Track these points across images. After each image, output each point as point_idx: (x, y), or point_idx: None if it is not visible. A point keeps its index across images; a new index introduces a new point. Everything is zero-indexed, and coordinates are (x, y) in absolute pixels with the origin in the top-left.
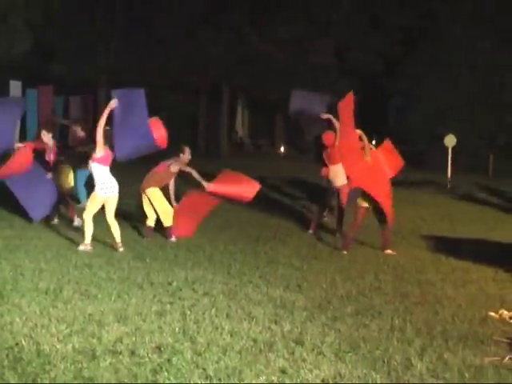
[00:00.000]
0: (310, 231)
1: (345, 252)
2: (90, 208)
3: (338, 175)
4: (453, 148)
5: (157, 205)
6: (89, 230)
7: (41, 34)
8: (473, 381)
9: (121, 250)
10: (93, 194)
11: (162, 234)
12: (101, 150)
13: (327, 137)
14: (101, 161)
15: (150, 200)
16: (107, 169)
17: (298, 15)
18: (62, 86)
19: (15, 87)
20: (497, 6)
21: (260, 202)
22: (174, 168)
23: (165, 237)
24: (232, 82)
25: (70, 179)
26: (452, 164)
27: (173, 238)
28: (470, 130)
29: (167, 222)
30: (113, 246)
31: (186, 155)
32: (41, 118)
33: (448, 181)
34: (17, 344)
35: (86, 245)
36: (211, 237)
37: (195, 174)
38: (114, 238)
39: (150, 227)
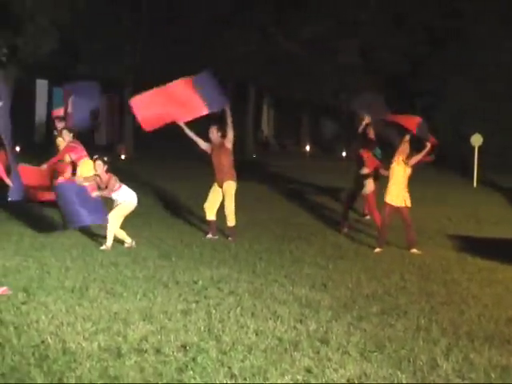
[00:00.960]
0: (345, 230)
1: (378, 250)
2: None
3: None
4: (479, 147)
5: (228, 200)
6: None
7: (67, 34)
8: (499, 381)
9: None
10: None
11: (189, 232)
12: None
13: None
14: None
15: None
16: None
17: (324, 15)
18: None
19: (42, 86)
20: None
21: (285, 200)
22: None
23: (192, 235)
24: (258, 81)
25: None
26: (478, 163)
27: (231, 239)
28: (496, 129)
29: (232, 221)
30: (139, 245)
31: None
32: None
33: (474, 180)
34: (43, 342)
35: (108, 246)
36: (237, 235)
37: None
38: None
39: (213, 221)
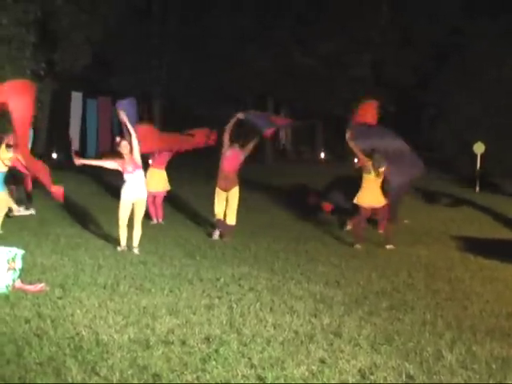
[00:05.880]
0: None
1: (389, 247)
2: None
3: None
4: (481, 155)
5: (235, 202)
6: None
7: (100, 49)
8: (500, 371)
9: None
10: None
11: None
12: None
13: None
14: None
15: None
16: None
17: (338, 32)
18: (119, 97)
19: (76, 98)
20: None
21: (301, 203)
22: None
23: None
24: (276, 94)
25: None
26: (480, 170)
27: (226, 239)
28: (497, 138)
29: (233, 220)
30: (166, 244)
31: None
32: (100, 127)
33: (477, 186)
34: (77, 334)
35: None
36: (256, 236)
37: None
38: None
39: (222, 220)
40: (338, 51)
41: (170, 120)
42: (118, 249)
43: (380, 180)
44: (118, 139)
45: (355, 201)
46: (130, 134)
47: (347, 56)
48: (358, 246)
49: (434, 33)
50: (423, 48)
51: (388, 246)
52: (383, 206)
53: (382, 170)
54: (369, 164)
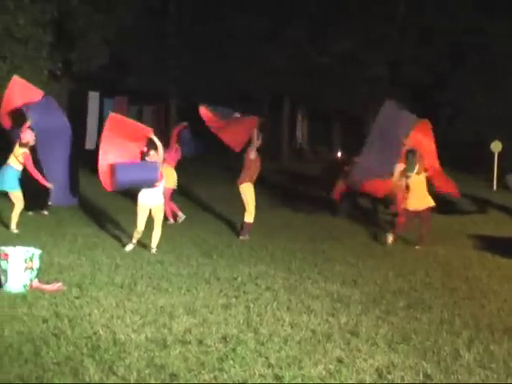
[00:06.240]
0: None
1: (417, 247)
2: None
3: None
4: (498, 153)
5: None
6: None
7: (117, 49)
8: None
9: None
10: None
11: (229, 233)
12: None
13: None
14: None
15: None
16: None
17: (354, 31)
18: (136, 97)
19: (93, 98)
20: None
21: (317, 203)
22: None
23: (231, 236)
24: (292, 93)
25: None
26: (498, 168)
27: (242, 237)
28: None
29: (250, 218)
30: (183, 244)
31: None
32: None
33: (494, 184)
34: (95, 333)
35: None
36: (273, 236)
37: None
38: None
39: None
40: (354, 50)
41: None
42: (126, 249)
43: (423, 179)
44: (145, 149)
45: (403, 206)
46: (157, 147)
47: (364, 55)
48: (389, 240)
49: (452, 32)
50: (441, 47)
51: (417, 247)
52: (428, 208)
53: (416, 166)
54: (403, 173)
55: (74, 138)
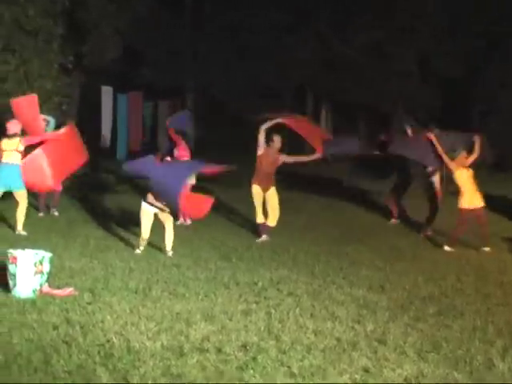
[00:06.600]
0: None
1: (447, 248)
2: None
3: None
4: None
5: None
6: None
7: (130, 41)
8: None
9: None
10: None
11: (248, 235)
12: None
13: None
14: None
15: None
16: None
17: (380, 21)
18: (151, 91)
19: (107, 92)
20: None
21: (340, 202)
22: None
23: (251, 238)
24: (315, 86)
25: None
26: None
27: (263, 238)
28: None
29: (274, 221)
30: (200, 247)
31: (276, 143)
32: (129, 124)
33: None
34: (108, 341)
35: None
36: (295, 238)
37: (290, 159)
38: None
39: (263, 223)
40: (380, 41)
41: (203, 114)
42: (137, 251)
43: (470, 172)
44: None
45: (459, 206)
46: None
47: (390, 47)
48: (447, 248)
49: (486, 21)
50: (473, 38)
51: (486, 249)
52: (482, 208)
53: (460, 155)
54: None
55: (88, 136)
